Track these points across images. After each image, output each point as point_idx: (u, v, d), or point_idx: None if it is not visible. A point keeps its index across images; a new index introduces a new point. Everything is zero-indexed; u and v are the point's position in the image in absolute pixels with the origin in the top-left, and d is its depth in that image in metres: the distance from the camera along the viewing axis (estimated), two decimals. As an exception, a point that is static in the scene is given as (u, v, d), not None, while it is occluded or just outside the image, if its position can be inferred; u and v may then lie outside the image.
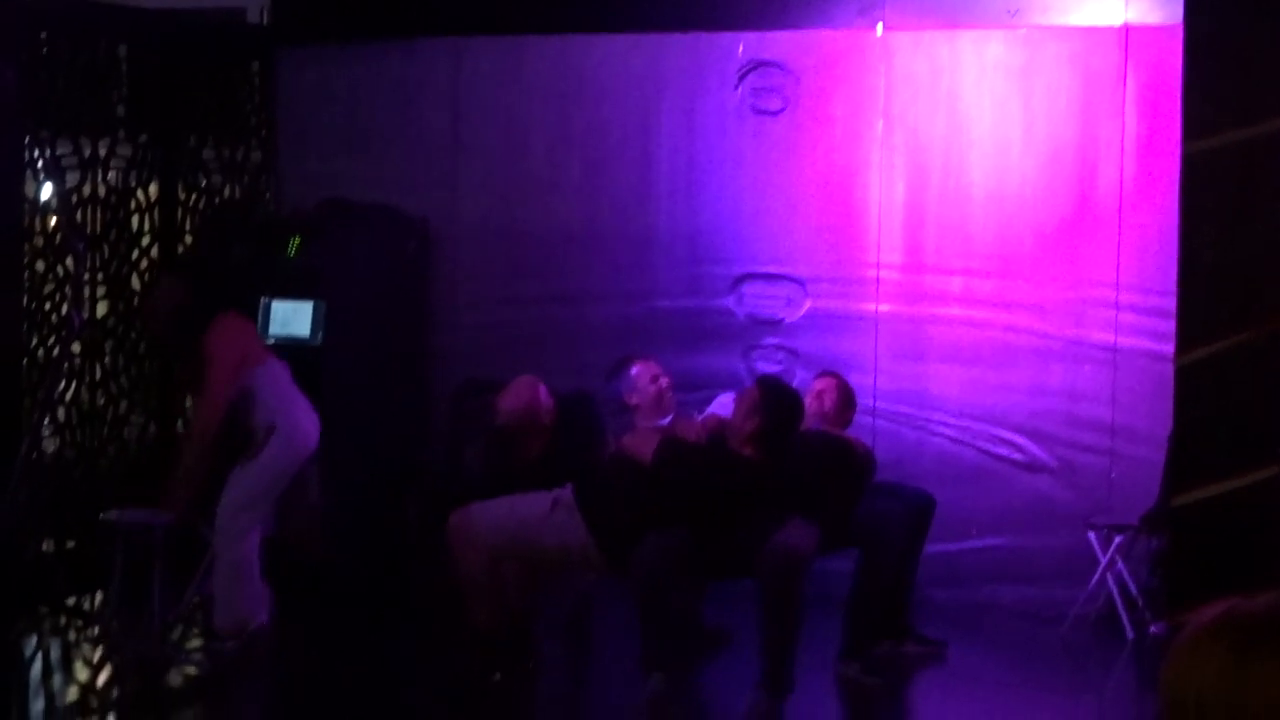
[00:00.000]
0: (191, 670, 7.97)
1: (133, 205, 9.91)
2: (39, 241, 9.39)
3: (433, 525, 8.32)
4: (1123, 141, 8.87)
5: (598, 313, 9.72)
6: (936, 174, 9.26)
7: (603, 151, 9.81)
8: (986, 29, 9.16)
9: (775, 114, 9.48)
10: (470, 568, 7.67)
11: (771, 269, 9.55)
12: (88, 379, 9.67)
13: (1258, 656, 1.92)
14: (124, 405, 9.86)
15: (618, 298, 9.70)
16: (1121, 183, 8.87)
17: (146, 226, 9.99)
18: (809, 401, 8.06)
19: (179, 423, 10.15)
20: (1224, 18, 5.70)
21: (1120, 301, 8.88)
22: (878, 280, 9.34)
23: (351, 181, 10.05)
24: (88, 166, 9.64)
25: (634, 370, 8.42)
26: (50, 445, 9.46)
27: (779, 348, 9.53)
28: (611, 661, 8.24)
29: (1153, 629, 8.26)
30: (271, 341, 9.44)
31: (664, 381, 8.37)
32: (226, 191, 10.43)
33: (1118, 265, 8.88)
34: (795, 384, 8.43)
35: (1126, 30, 8.85)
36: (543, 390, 8.16)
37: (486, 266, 10.03)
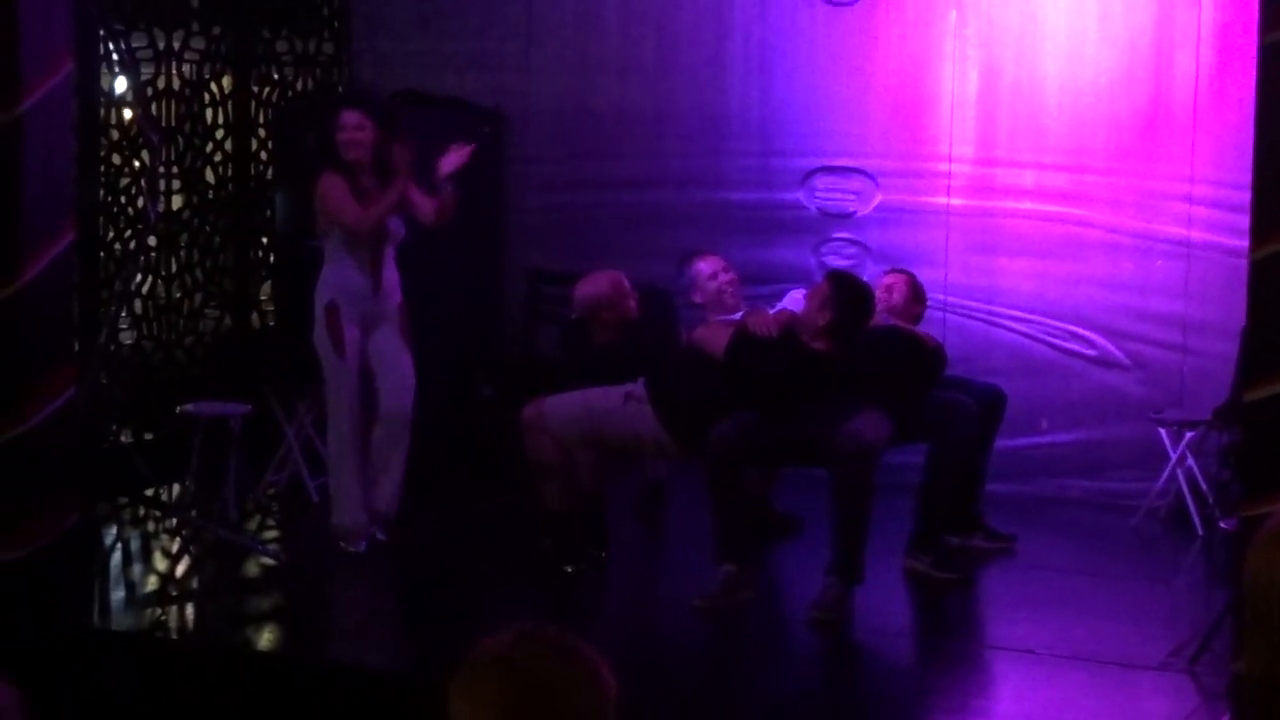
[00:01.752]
0: (268, 559, 8.04)
1: (207, 98, 9.94)
2: (115, 135, 9.43)
3: (507, 409, 8.35)
4: (1199, 31, 8.74)
5: (669, 199, 9.70)
6: (1009, 65, 9.16)
7: (676, 39, 9.76)
8: (1062, -83, 9.04)
9: (848, 4, 9.39)
10: (543, 455, 7.73)
11: (842, 162, 9.50)
12: (163, 272, 9.73)
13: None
14: (199, 298, 9.93)
15: (690, 185, 9.69)
16: (1197, 74, 8.76)
17: (220, 119, 10.02)
18: (878, 296, 8.03)
19: (253, 315, 10.22)
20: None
21: (1194, 195, 8.80)
22: (949, 174, 9.29)
23: (424, 66, 10.08)
24: (162, 59, 9.66)
25: (695, 267, 8.37)
26: (128, 337, 9.54)
27: (850, 241, 9.49)
28: (684, 548, 8.28)
29: (1223, 524, 8.23)
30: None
31: (724, 278, 8.30)
32: (300, 83, 10.44)
33: (1192, 158, 8.79)
34: (866, 278, 8.39)
35: (1205, -82, 8.73)
36: (626, 281, 8.16)
37: (559, 149, 10.02)
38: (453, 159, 7.91)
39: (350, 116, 7.89)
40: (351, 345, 7.92)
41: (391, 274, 8.03)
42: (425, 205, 7.96)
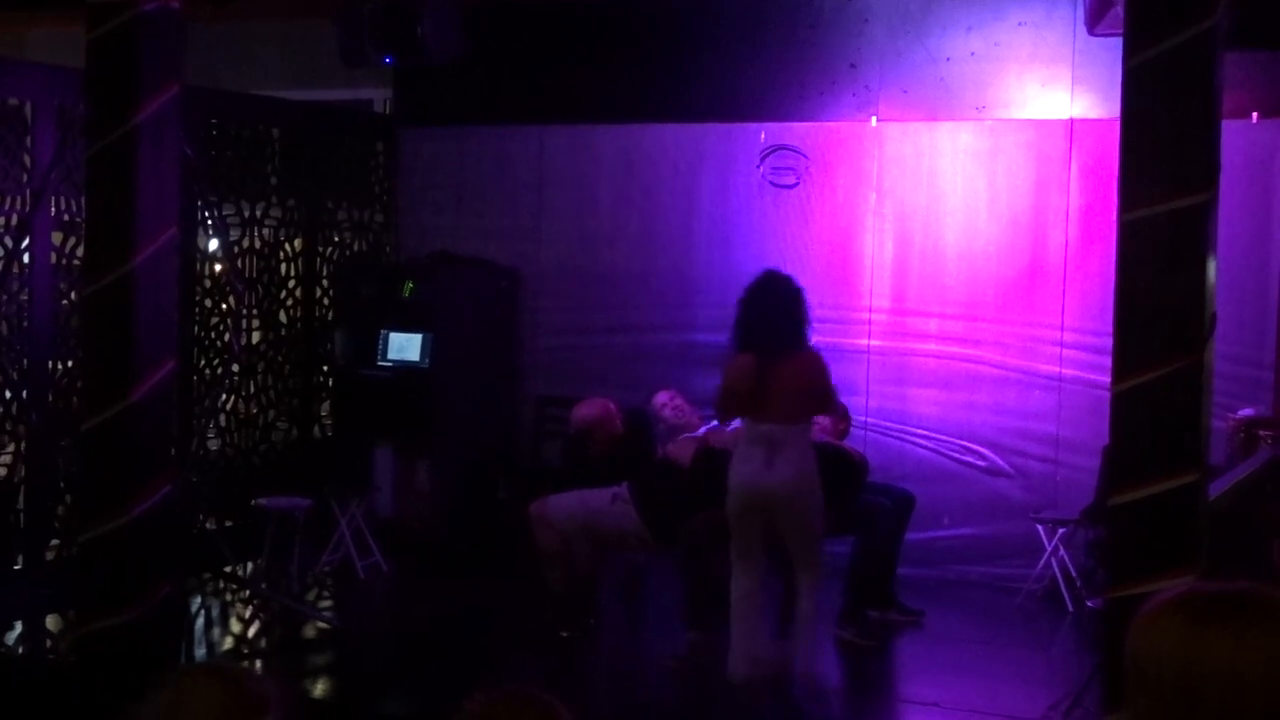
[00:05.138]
0: (323, 624, 7.91)
1: (281, 256, 9.93)
2: (208, 283, 9.41)
3: (519, 507, 8.28)
4: (1068, 211, 8.79)
5: (649, 341, 9.68)
6: (918, 236, 9.19)
7: (655, 215, 9.77)
8: (959, 121, 9.09)
9: (790, 188, 9.43)
10: (546, 543, 7.64)
11: (785, 311, 9.47)
12: (244, 392, 9.67)
13: (1208, 628, 1.86)
14: (271, 414, 9.87)
15: (665, 329, 9.66)
16: (1066, 244, 8.79)
17: (292, 273, 10.00)
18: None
19: (315, 428, 10.14)
20: (1151, 114, 5.63)
21: (1064, 340, 8.80)
22: (870, 320, 9.27)
23: (456, 235, 10.08)
24: (247, 224, 9.67)
25: (654, 400, 8.42)
26: (214, 444, 9.47)
27: (791, 374, 9.44)
28: (658, 619, 8.17)
29: (1089, 603, 8.16)
30: (389, 365, 9.44)
31: (672, 404, 8.36)
32: (356, 245, 10.44)
33: (1063, 310, 8.80)
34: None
35: (1071, 123, 8.79)
36: (614, 406, 8.13)
37: (562, 302, 10.00)
38: None
39: None
40: None
41: None
42: None
